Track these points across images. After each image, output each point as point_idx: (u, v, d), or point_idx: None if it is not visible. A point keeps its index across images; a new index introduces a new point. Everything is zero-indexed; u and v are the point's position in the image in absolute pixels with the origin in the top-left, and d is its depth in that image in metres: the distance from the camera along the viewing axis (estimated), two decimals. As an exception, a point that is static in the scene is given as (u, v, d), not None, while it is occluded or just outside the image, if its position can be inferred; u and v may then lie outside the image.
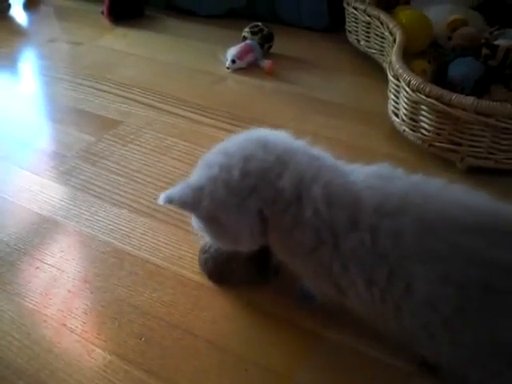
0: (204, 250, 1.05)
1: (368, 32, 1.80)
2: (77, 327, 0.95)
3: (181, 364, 0.88)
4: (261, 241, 0.87)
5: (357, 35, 1.88)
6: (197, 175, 0.87)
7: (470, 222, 0.71)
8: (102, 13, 2.30)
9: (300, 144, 0.87)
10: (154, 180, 1.30)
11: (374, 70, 1.74)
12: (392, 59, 1.43)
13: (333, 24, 2.09)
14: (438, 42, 1.78)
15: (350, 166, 0.85)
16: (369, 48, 1.81)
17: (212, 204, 0.82)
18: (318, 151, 0.86)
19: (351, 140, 1.43)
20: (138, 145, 1.44)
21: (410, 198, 0.74)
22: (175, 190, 0.84)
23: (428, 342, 0.75)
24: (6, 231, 1.16)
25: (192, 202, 0.83)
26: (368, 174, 0.80)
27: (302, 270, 0.89)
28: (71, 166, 1.36)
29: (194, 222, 0.90)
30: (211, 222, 0.85)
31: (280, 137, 0.87)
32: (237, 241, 0.87)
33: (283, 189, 0.80)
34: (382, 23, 1.69)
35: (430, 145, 1.32)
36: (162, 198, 0.83)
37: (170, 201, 0.83)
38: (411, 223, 0.72)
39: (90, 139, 1.47)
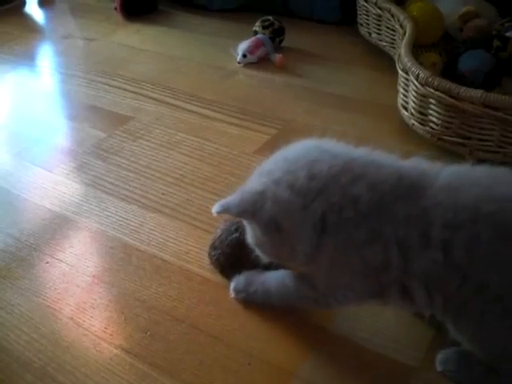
0: (214, 247, 1.05)
1: (379, 25, 1.79)
2: (84, 321, 0.97)
3: (185, 358, 0.89)
4: (314, 260, 0.80)
5: (368, 28, 1.87)
6: (254, 182, 0.82)
7: None
8: (116, 9, 2.31)
9: (363, 152, 0.81)
10: (163, 175, 1.31)
11: (386, 63, 1.73)
12: (401, 52, 1.43)
13: (345, 17, 2.08)
14: (449, 34, 1.77)
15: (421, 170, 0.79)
16: (380, 41, 1.81)
17: (274, 206, 0.77)
18: (389, 159, 0.81)
19: (361, 134, 1.43)
20: (148, 140, 1.45)
21: (483, 208, 0.71)
22: (231, 198, 0.80)
23: (483, 341, 0.76)
24: (18, 227, 1.18)
25: (252, 208, 0.78)
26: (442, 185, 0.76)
27: (340, 281, 0.83)
28: (82, 162, 1.38)
29: (250, 236, 0.85)
30: (271, 230, 0.79)
31: (338, 145, 0.83)
32: (293, 253, 0.80)
33: (358, 198, 0.75)
34: (392, 16, 1.69)
35: (439, 138, 1.31)
36: (217, 208, 0.79)
37: (226, 209, 0.79)
38: (486, 231, 0.70)
39: (101, 135, 1.48)
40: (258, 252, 0.87)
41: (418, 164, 0.80)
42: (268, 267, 0.99)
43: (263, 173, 0.82)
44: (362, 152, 0.81)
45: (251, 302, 0.97)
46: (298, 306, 0.93)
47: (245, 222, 0.85)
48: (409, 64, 1.35)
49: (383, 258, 0.75)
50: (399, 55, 1.44)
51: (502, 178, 0.76)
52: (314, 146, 0.83)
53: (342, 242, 0.77)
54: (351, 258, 0.77)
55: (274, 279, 0.93)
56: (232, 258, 1.02)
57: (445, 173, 0.77)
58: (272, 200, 0.77)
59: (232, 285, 0.98)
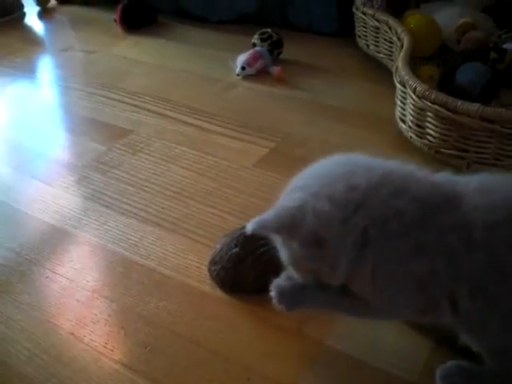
0: (214, 262, 1.06)
1: (377, 37, 1.80)
2: (84, 336, 0.97)
3: (185, 373, 0.90)
4: (352, 275, 0.77)
5: (366, 40, 1.88)
6: (286, 200, 0.78)
7: None
8: (115, 20, 2.32)
9: (398, 165, 0.80)
10: (162, 189, 1.32)
11: (384, 74, 1.74)
12: (399, 65, 1.43)
13: (342, 28, 2.09)
14: (447, 46, 1.78)
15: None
16: (378, 53, 1.82)
17: (315, 219, 0.73)
18: (421, 171, 0.79)
19: (359, 146, 1.41)
20: (148, 154, 1.46)
21: None
22: (266, 215, 0.75)
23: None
24: (18, 241, 1.19)
25: (290, 223, 0.74)
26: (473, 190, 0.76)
27: (388, 300, 0.80)
28: (82, 175, 1.39)
29: (285, 254, 0.79)
30: (311, 245, 0.75)
31: (368, 158, 0.81)
32: (333, 269, 0.76)
33: (403, 211, 0.73)
34: (390, 28, 1.70)
35: (437, 151, 1.32)
36: (252, 225, 0.74)
37: (263, 226, 0.74)
38: None
39: (101, 148, 1.49)
40: (292, 270, 0.82)
41: (447, 175, 0.80)
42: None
43: (295, 189, 0.78)
44: (397, 164, 0.80)
45: (250, 315, 0.98)
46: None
47: (278, 241, 0.80)
48: (406, 77, 1.36)
49: (430, 269, 0.74)
50: (397, 68, 1.45)
51: None
52: (345, 159, 0.81)
53: (385, 256, 0.75)
54: (396, 272, 0.75)
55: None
56: (232, 273, 1.03)
57: (474, 179, 0.78)
58: (312, 214, 0.73)
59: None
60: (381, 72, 1.78)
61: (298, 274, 0.81)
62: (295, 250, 0.76)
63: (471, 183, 0.77)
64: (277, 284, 0.85)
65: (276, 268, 0.93)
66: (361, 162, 0.79)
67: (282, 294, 0.84)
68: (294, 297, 0.84)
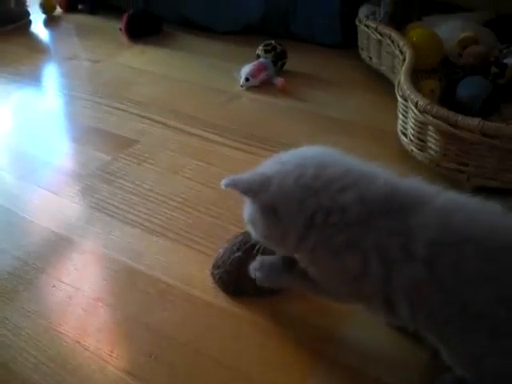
0: (217, 266, 1.09)
1: (379, 50, 1.83)
2: (90, 344, 0.99)
3: (189, 381, 0.92)
4: (298, 249, 0.88)
5: (369, 52, 1.91)
6: (266, 167, 0.88)
7: None
8: (120, 29, 2.35)
9: (363, 165, 0.88)
10: (166, 199, 1.34)
11: (386, 87, 1.76)
12: (401, 79, 1.46)
13: (346, 40, 2.12)
14: (449, 59, 1.80)
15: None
16: (380, 65, 1.84)
17: (278, 193, 0.84)
18: (387, 174, 0.86)
19: (360, 158, 1.45)
20: (152, 164, 1.48)
21: (470, 230, 0.76)
22: (242, 176, 0.86)
23: (469, 361, 0.79)
24: (25, 249, 1.21)
25: (258, 187, 0.84)
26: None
27: (329, 285, 0.89)
28: (87, 184, 1.41)
29: (247, 213, 0.91)
30: (268, 213, 0.85)
31: (348, 156, 0.90)
32: (284, 239, 0.86)
33: (346, 207, 0.80)
34: (392, 41, 1.72)
35: (437, 165, 1.34)
36: (226, 181, 0.85)
37: (234, 184, 0.85)
38: (471, 254, 0.74)
39: (106, 158, 1.51)
40: (250, 229, 0.92)
41: (418, 184, 0.84)
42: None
43: (278, 161, 0.88)
44: (362, 164, 0.87)
45: (253, 324, 1.01)
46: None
47: (246, 200, 0.90)
48: (408, 92, 1.38)
49: (363, 268, 0.80)
50: (399, 82, 1.47)
51: (490, 208, 0.80)
52: (326, 151, 0.90)
53: (322, 243, 0.83)
54: (330, 261, 0.83)
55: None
56: (234, 276, 1.06)
57: (442, 197, 0.81)
58: (277, 186, 0.84)
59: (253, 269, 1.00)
60: (383, 84, 1.80)
61: (254, 233, 0.92)
62: (256, 212, 0.88)
63: (437, 200, 0.80)
64: (260, 258, 0.99)
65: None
66: (336, 157, 0.89)
67: (262, 265, 0.98)
68: (269, 271, 0.98)
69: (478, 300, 0.74)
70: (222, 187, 0.85)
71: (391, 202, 0.80)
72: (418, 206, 0.80)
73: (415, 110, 1.34)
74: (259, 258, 0.99)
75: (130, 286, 1.10)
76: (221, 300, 1.06)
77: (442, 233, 0.76)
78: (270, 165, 0.88)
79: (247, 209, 0.91)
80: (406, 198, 0.81)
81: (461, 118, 1.24)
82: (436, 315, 0.78)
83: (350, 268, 0.81)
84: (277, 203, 0.84)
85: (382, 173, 0.86)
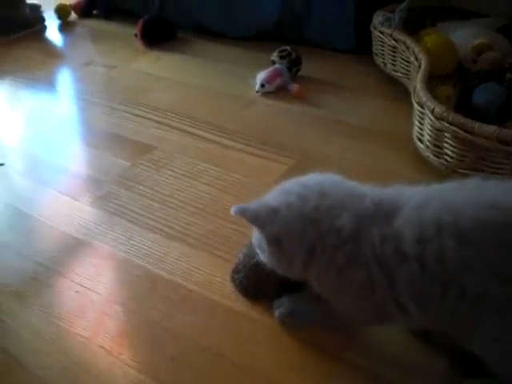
0: (237, 270, 1.11)
1: (394, 56, 1.84)
2: (113, 349, 1.01)
3: (211, 386, 0.94)
4: (304, 274, 0.92)
5: (383, 58, 1.92)
6: (272, 198, 0.92)
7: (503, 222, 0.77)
8: (135, 35, 2.37)
9: (363, 190, 0.91)
10: (185, 205, 1.36)
11: (401, 93, 1.77)
12: (417, 87, 1.47)
13: (360, 46, 2.13)
14: (463, 65, 1.81)
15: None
16: (395, 71, 1.85)
17: (282, 225, 0.88)
18: (371, 189, 0.91)
19: (375, 164, 1.47)
20: (171, 170, 1.50)
21: (443, 220, 0.79)
22: (250, 205, 0.90)
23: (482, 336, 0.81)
24: (46, 254, 1.23)
25: (264, 220, 0.89)
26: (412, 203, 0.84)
27: (342, 304, 0.93)
28: (107, 190, 1.43)
29: (255, 239, 0.95)
30: (274, 243, 0.90)
31: (344, 180, 0.93)
32: (289, 266, 0.92)
33: (341, 226, 0.85)
34: (407, 48, 1.73)
35: (454, 171, 1.35)
36: (235, 209, 0.89)
37: (243, 213, 0.89)
38: (449, 242, 0.78)
39: (125, 164, 1.53)
40: (258, 252, 0.96)
41: (397, 189, 0.89)
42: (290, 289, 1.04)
43: (282, 191, 0.93)
44: (356, 188, 0.91)
45: (273, 329, 1.02)
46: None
47: (254, 228, 0.94)
48: (424, 98, 1.39)
49: (367, 277, 0.84)
50: (414, 89, 1.48)
51: (461, 189, 0.85)
52: (330, 180, 0.93)
53: (324, 265, 0.87)
54: (335, 280, 0.88)
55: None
56: (254, 280, 1.08)
57: (418, 193, 0.86)
58: (281, 219, 0.88)
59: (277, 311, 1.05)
60: (398, 90, 1.81)
61: (262, 258, 0.95)
62: (262, 241, 0.92)
63: (413, 198, 0.85)
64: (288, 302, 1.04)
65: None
66: (336, 184, 0.92)
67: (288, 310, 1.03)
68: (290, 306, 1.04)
69: (471, 283, 0.77)
70: (232, 213, 0.89)
71: (378, 212, 0.85)
72: (398, 208, 0.84)
73: (432, 117, 1.35)
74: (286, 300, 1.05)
75: (151, 292, 1.12)
76: (241, 305, 1.08)
77: (420, 228, 0.80)
78: (275, 195, 0.93)
79: (255, 235, 0.95)
80: (390, 205, 0.85)
81: (477, 126, 1.25)
82: (442, 308, 0.81)
83: (356, 281, 0.85)
84: (281, 235, 0.89)
85: (371, 191, 0.90)
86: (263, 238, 0.92)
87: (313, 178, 0.93)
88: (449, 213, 0.79)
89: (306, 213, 0.87)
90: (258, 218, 0.89)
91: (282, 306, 1.04)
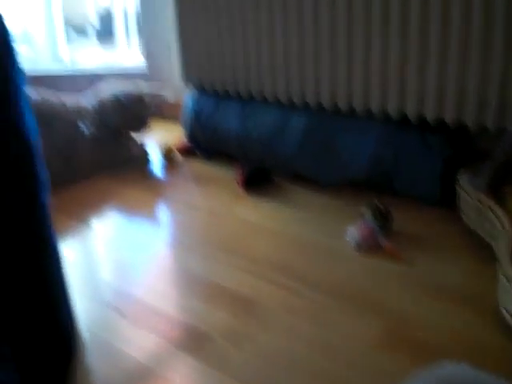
0: None
1: (479, 215, 1.92)
2: None
3: None
4: None
5: (468, 216, 2.01)
6: None
7: None
8: (237, 182, 2.57)
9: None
10: (286, 362, 1.45)
11: (488, 253, 1.81)
12: (502, 262, 1.54)
13: (445, 200, 2.23)
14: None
15: None
16: (481, 231, 1.93)
17: None
18: None
19: (458, 328, 1.53)
20: (271, 326, 1.60)
21: None
22: None
23: None
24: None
25: None
26: None
27: None
28: (209, 343, 1.54)
29: None
30: None
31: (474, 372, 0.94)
32: None
33: None
34: (491, 210, 1.82)
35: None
36: None
37: None
38: None
39: (226, 316, 1.65)
40: None
41: None
42: None
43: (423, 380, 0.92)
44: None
45: None
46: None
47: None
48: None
49: None
50: (501, 263, 1.56)
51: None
52: (462, 372, 0.94)
53: None
54: None
55: None
56: None
57: None
58: None
59: None
60: (485, 250, 1.86)
61: None
62: None
63: None
64: None
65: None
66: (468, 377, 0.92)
67: None
68: None
69: None
70: None
71: None
72: None
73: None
74: None
75: None
76: None
77: None
78: None
79: None
80: None
81: None
82: None
83: None
84: None
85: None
86: None
87: (447, 370, 0.94)
88: None
89: None
90: None
91: None
